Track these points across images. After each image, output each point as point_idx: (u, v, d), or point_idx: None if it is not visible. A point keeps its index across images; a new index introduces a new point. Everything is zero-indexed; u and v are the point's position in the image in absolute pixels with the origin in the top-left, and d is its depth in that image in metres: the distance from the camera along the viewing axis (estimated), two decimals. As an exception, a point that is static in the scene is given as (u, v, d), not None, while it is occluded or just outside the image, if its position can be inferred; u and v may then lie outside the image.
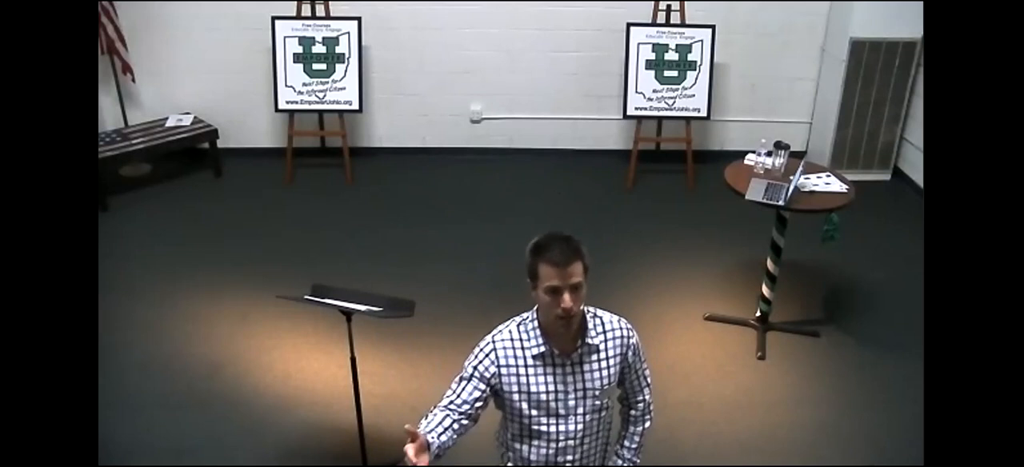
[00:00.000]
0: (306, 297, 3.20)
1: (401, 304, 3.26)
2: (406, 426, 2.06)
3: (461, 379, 2.25)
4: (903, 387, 4.10)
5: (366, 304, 3.14)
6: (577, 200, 5.93)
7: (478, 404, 2.23)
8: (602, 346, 2.28)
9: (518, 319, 2.29)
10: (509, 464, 2.42)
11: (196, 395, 3.98)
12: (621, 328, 2.32)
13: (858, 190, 4.25)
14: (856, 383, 4.16)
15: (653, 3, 5.94)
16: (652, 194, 6.09)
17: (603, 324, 2.29)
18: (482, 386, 2.23)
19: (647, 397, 2.49)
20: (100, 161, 5.55)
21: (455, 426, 2.19)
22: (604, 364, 2.28)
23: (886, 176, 6.32)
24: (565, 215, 5.66)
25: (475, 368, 2.24)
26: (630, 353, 2.33)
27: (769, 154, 4.34)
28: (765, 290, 4.42)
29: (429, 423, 2.18)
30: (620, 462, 2.54)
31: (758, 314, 4.50)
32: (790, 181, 4.07)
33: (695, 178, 6.15)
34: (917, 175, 6.10)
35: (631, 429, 2.53)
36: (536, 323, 2.24)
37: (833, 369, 4.26)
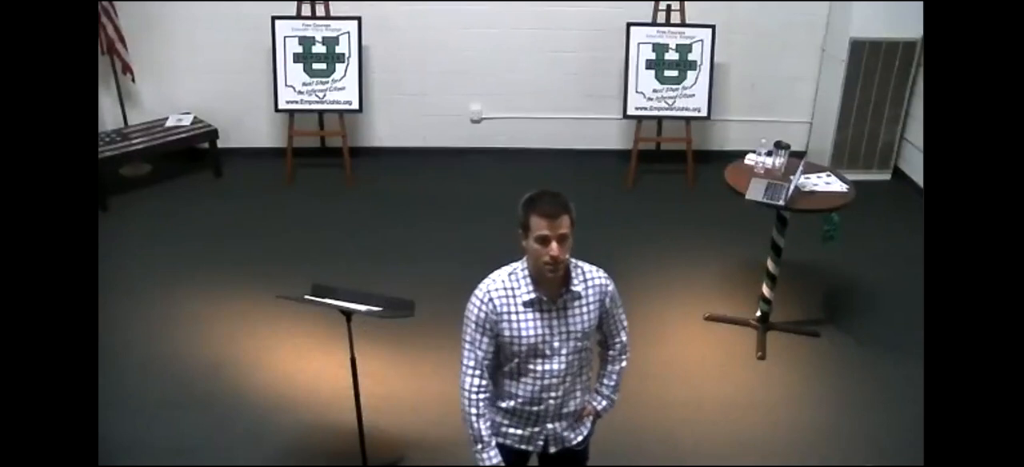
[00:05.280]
0: (306, 297, 3.20)
1: (401, 304, 3.26)
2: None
3: (475, 335, 2.45)
4: (903, 387, 4.09)
5: (366, 304, 3.14)
6: (577, 200, 5.81)
7: (493, 351, 2.46)
8: (584, 293, 2.47)
9: (508, 269, 2.48)
10: (500, 403, 2.60)
11: (196, 395, 3.98)
12: (600, 277, 2.52)
13: (858, 190, 4.24)
14: (856, 383, 4.16)
15: (653, 3, 5.94)
16: (652, 194, 6.09)
17: (585, 273, 2.50)
18: (492, 333, 2.44)
19: (624, 338, 2.69)
20: (100, 161, 5.55)
21: (488, 393, 2.49)
22: (585, 309, 2.48)
23: (886, 176, 6.32)
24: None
25: (480, 322, 2.44)
26: (607, 299, 2.53)
27: (769, 154, 4.34)
28: (765, 290, 4.42)
29: (487, 424, 2.49)
30: (601, 399, 2.73)
31: (758, 314, 4.50)
32: (790, 181, 4.07)
33: (695, 178, 6.15)
34: (917, 175, 6.10)
35: (610, 368, 2.73)
36: (526, 272, 2.44)
37: (833, 369, 4.26)
